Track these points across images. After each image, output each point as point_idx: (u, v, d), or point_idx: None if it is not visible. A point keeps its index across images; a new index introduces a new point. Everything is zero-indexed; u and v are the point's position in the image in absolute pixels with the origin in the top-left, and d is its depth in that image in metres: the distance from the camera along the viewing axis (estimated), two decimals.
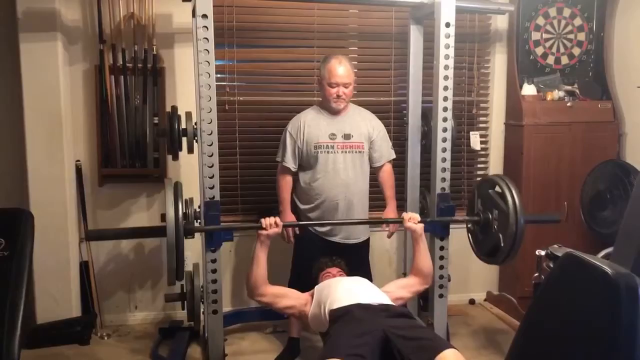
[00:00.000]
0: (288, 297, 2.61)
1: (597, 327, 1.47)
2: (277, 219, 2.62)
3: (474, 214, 2.95)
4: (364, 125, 3.15)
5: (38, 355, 3.21)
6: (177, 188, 2.53)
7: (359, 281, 2.63)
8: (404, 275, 3.63)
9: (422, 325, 2.39)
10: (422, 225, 2.75)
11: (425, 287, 2.75)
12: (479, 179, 3.88)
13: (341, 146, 3.09)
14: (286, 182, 3.14)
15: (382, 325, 2.18)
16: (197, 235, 2.90)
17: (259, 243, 2.59)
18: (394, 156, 3.29)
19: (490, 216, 2.81)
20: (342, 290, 2.45)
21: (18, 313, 2.24)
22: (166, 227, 2.40)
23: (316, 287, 2.62)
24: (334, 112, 3.11)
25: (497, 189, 2.80)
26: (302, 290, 2.82)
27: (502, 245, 2.72)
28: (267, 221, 2.59)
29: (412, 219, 2.74)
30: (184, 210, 2.55)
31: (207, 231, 2.69)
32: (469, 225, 2.99)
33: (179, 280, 2.53)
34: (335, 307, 2.35)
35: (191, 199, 2.94)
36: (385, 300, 2.44)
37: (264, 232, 2.58)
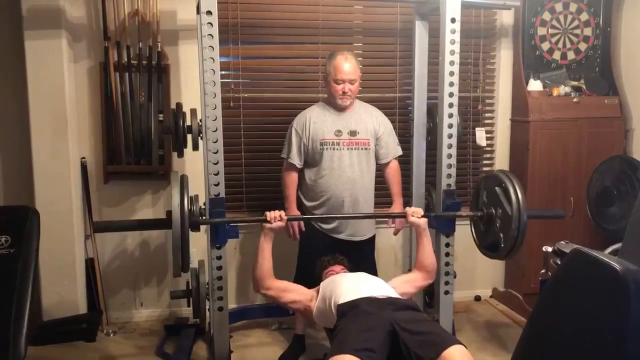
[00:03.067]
0: (293, 292, 2.61)
1: (605, 324, 1.46)
2: (282, 213, 2.63)
3: (478, 208, 2.93)
4: (370, 122, 3.14)
5: (44, 352, 3.21)
6: (183, 181, 2.53)
7: (364, 275, 2.63)
8: (410, 271, 3.63)
9: (429, 318, 2.38)
10: (425, 219, 2.74)
11: (428, 282, 2.75)
12: (484, 174, 3.86)
13: (347, 143, 3.08)
14: (292, 179, 3.13)
15: (389, 319, 2.18)
16: (202, 232, 2.91)
17: (263, 236, 2.61)
18: (400, 152, 3.28)
19: (494, 212, 2.80)
20: (348, 285, 2.46)
21: (24, 310, 2.25)
22: (172, 219, 2.40)
23: (322, 283, 2.62)
24: (340, 109, 3.10)
25: (502, 186, 2.78)
26: (308, 287, 2.82)
27: (502, 245, 2.73)
28: (271, 214, 2.61)
29: (416, 213, 2.74)
30: (190, 207, 2.55)
31: (212, 224, 2.68)
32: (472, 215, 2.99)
33: (184, 271, 2.53)
34: (341, 301, 2.35)
35: (196, 196, 2.94)
36: (392, 293, 2.44)
37: (267, 225, 2.59)
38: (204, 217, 2.76)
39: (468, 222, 3.52)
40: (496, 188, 2.82)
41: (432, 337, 2.11)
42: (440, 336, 2.14)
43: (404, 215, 2.82)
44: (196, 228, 2.61)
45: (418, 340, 2.09)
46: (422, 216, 2.76)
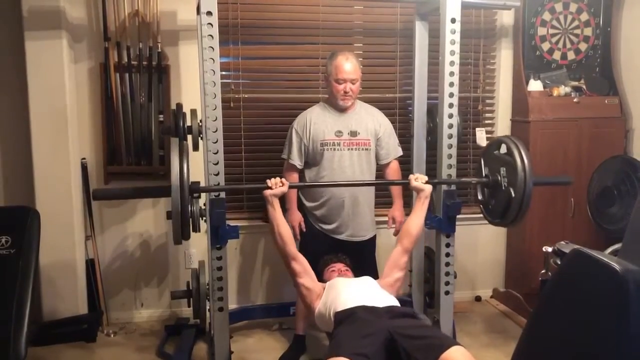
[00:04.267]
0: (311, 279, 2.61)
1: (605, 324, 1.47)
2: (283, 179, 2.64)
3: (482, 177, 2.91)
4: (371, 122, 3.14)
5: (45, 353, 3.22)
6: (183, 146, 2.50)
7: (364, 283, 2.61)
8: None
9: (427, 324, 2.38)
10: (430, 186, 2.73)
11: (408, 255, 2.69)
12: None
13: (347, 143, 3.08)
14: (292, 180, 3.12)
15: (386, 327, 2.18)
16: (202, 232, 2.91)
17: (268, 205, 2.60)
18: (400, 153, 3.28)
19: (499, 176, 2.77)
20: (347, 293, 2.45)
21: (25, 310, 2.25)
22: (171, 182, 2.38)
23: (327, 283, 2.62)
24: (341, 109, 3.10)
25: (502, 146, 2.77)
26: None
27: (513, 196, 2.65)
28: (272, 181, 2.61)
29: (420, 179, 2.74)
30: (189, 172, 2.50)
31: (210, 191, 2.67)
32: (479, 197, 2.95)
33: (184, 239, 2.50)
34: (339, 309, 2.35)
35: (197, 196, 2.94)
36: (390, 301, 2.43)
37: (269, 191, 2.59)
38: (204, 219, 2.76)
39: (469, 222, 3.54)
40: (495, 152, 2.82)
41: (432, 341, 2.10)
42: (439, 339, 2.14)
43: (406, 183, 2.80)
44: (196, 193, 2.58)
45: (417, 345, 2.09)
46: (426, 182, 2.74)
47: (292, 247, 2.59)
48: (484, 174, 2.90)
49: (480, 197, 2.95)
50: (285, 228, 2.59)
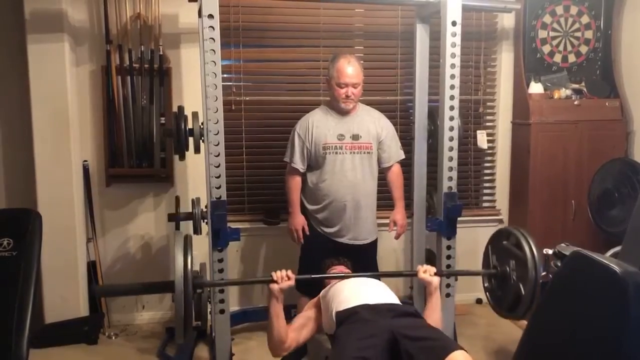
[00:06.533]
0: (306, 326, 2.52)
1: (604, 326, 1.47)
2: (289, 272, 2.45)
3: (490, 267, 2.72)
4: (373, 126, 3.14)
5: (46, 355, 3.22)
6: (187, 242, 2.43)
7: (364, 280, 2.60)
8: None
9: (429, 324, 2.37)
10: (438, 278, 2.55)
11: None
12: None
13: (349, 147, 3.07)
14: (295, 183, 3.13)
15: (389, 327, 2.15)
16: (204, 234, 2.92)
17: (273, 299, 2.39)
18: (402, 156, 3.27)
19: (507, 269, 2.59)
20: (348, 291, 2.43)
21: (26, 312, 2.25)
22: (175, 282, 2.30)
23: (320, 294, 2.58)
24: (343, 113, 3.10)
25: (510, 238, 2.62)
26: (308, 291, 2.83)
27: (523, 293, 2.48)
28: (278, 274, 2.41)
29: (428, 270, 2.55)
30: (192, 268, 2.42)
31: (214, 286, 2.65)
32: (485, 285, 2.78)
33: (187, 336, 2.41)
34: (341, 309, 2.32)
35: (198, 199, 2.95)
36: (392, 298, 2.42)
37: (276, 285, 2.39)
38: (205, 221, 2.76)
39: (469, 224, 3.53)
40: (504, 243, 2.65)
41: (434, 343, 2.09)
42: (441, 341, 2.12)
43: (414, 274, 2.61)
44: (200, 289, 2.52)
45: (419, 346, 2.07)
46: (435, 274, 2.54)
47: (286, 341, 2.42)
48: (491, 264, 2.71)
49: (486, 284, 2.78)
50: (284, 326, 2.41)
